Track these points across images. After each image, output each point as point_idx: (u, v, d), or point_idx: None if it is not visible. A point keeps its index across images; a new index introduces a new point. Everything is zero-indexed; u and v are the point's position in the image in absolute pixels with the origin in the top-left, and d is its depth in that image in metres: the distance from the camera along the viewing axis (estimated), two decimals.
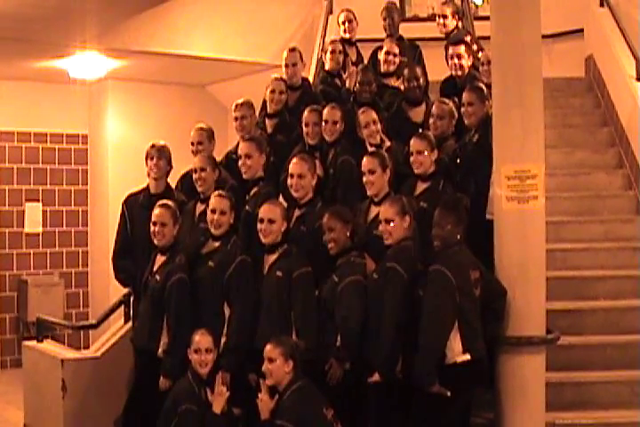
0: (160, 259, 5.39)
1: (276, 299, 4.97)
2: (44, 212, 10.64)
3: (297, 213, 5.37)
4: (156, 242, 5.36)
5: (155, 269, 5.36)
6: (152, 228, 5.35)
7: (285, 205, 5.40)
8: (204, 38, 9.18)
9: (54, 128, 10.64)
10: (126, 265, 5.92)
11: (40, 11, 7.21)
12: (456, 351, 4.41)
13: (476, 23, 8.26)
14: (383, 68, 6.97)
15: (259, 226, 5.06)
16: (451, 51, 6.80)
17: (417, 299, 4.52)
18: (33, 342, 6.95)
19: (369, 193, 5.23)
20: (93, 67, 9.24)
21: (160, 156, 5.91)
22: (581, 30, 9.05)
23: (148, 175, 5.98)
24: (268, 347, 4.58)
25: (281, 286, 4.96)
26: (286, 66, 6.80)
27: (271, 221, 5.03)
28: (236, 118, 6.32)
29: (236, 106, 6.35)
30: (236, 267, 5.11)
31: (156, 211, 5.37)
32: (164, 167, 5.94)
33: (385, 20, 7.48)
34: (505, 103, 4.87)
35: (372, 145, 5.88)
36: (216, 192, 5.38)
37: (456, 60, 6.71)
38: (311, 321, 4.90)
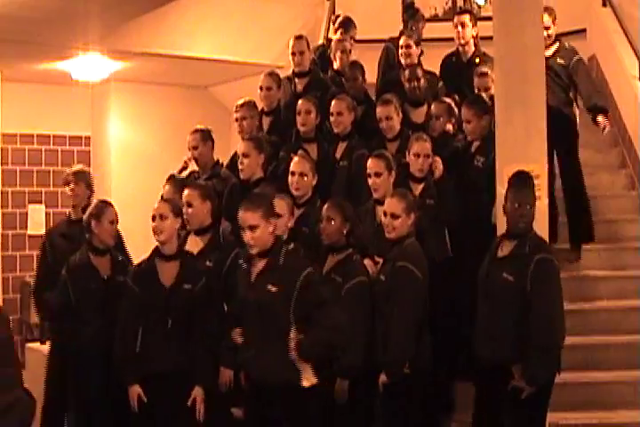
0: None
1: None
2: (47, 214, 10.63)
3: (296, 213, 5.31)
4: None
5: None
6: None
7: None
8: (206, 40, 9.17)
9: (57, 130, 10.64)
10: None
11: (42, 13, 7.22)
12: None
13: (478, 23, 8.25)
14: (406, 61, 6.95)
15: None
16: (455, 20, 6.96)
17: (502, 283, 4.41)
18: (36, 344, 6.94)
19: (375, 196, 5.23)
20: (96, 68, 9.24)
21: (77, 181, 5.80)
22: (584, 30, 9.04)
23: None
24: (247, 215, 4.18)
25: None
26: (293, 54, 6.80)
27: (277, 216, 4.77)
28: (237, 119, 6.29)
29: (237, 107, 6.30)
30: (232, 263, 4.89)
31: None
32: (84, 192, 5.82)
33: (414, 26, 7.41)
34: (508, 103, 4.88)
35: (388, 139, 5.93)
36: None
37: (460, 29, 6.84)
38: None
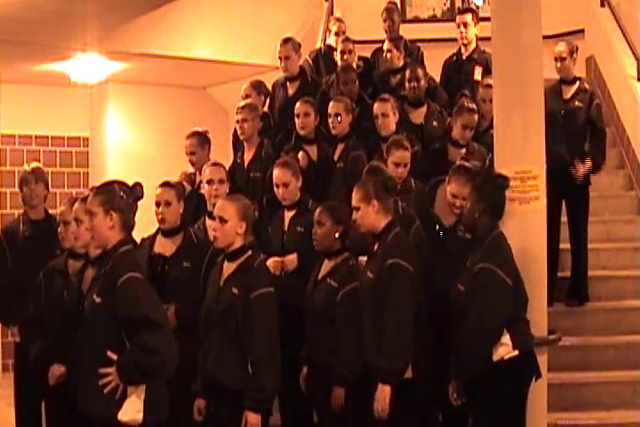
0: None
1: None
2: None
3: (289, 214, 5.30)
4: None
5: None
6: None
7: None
8: (204, 41, 9.18)
9: (55, 131, 10.63)
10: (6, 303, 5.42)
11: (41, 14, 7.21)
12: (504, 349, 4.17)
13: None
14: (392, 64, 7.02)
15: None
16: (458, 20, 6.97)
17: (456, 295, 4.28)
18: None
19: None
20: (94, 69, 9.25)
21: (37, 179, 5.66)
22: (582, 31, 9.06)
23: (24, 203, 5.68)
24: (220, 203, 4.10)
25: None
26: (280, 59, 6.82)
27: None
28: (238, 121, 6.21)
29: (238, 109, 6.21)
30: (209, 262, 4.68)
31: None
32: (43, 192, 5.71)
33: (385, 21, 7.49)
34: (506, 104, 4.87)
35: (382, 138, 5.92)
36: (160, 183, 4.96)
37: (462, 29, 6.87)
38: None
